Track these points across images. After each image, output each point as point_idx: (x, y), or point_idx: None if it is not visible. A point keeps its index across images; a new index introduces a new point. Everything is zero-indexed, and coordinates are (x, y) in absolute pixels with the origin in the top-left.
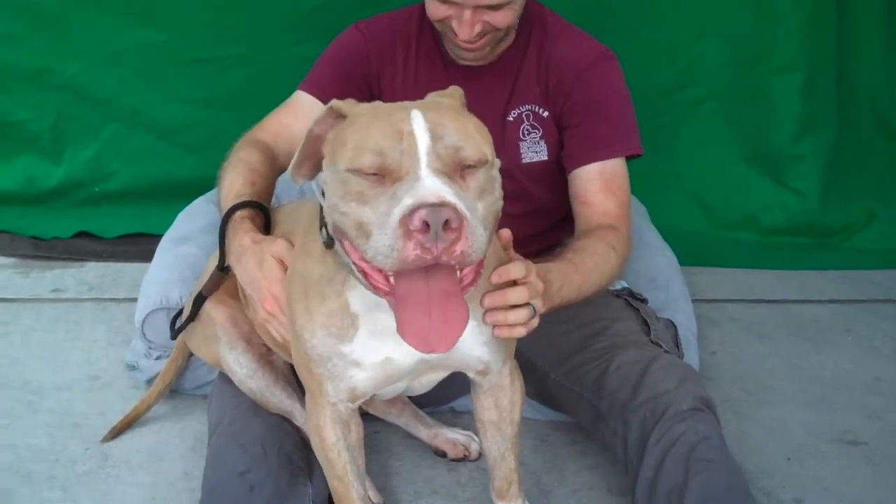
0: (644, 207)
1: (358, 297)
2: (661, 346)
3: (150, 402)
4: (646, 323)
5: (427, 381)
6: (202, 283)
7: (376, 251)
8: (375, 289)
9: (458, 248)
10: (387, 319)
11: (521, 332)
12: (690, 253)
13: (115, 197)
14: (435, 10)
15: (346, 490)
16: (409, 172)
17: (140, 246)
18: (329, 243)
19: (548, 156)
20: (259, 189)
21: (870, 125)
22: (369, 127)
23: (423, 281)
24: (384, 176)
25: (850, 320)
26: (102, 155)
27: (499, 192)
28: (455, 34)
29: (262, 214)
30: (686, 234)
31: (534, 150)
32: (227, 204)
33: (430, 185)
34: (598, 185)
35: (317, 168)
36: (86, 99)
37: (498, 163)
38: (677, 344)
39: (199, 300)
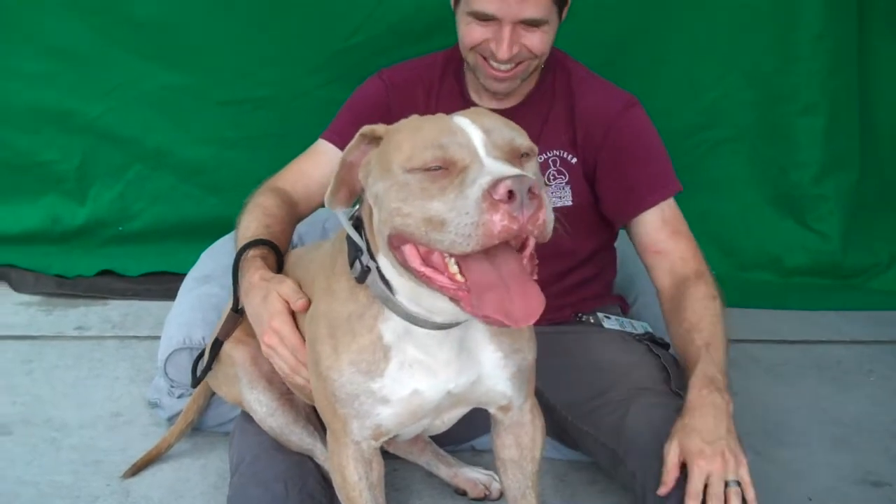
0: None
1: (391, 328)
2: (679, 394)
3: (172, 441)
4: (665, 370)
5: (448, 419)
6: (219, 328)
7: (456, 235)
8: (442, 288)
9: (541, 216)
10: (416, 351)
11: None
12: None
13: (138, 236)
14: (471, 34)
15: None
16: (473, 161)
17: (163, 284)
18: (361, 278)
19: (572, 201)
20: (274, 232)
21: (892, 166)
22: (421, 129)
23: (492, 265)
24: (447, 168)
25: (872, 361)
26: (126, 195)
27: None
28: (490, 60)
29: (275, 255)
30: None
31: (558, 196)
32: (241, 244)
33: (499, 166)
34: (665, 232)
35: (353, 195)
36: (111, 140)
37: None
38: None
39: (216, 345)
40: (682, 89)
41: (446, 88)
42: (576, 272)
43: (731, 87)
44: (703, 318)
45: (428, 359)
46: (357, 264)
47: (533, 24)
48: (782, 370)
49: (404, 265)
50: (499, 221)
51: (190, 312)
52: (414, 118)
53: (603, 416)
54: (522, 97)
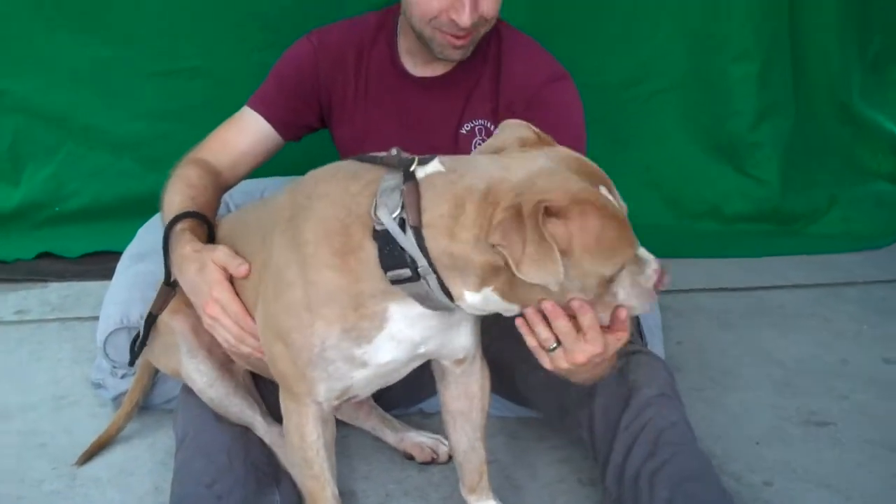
0: None
1: (401, 311)
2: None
3: (120, 424)
4: None
5: (404, 371)
6: (152, 301)
7: (637, 303)
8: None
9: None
10: (406, 326)
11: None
12: (654, 244)
13: (76, 216)
14: (429, 4)
15: (322, 489)
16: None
17: (103, 264)
18: (407, 279)
19: None
20: (200, 203)
21: (827, 110)
22: (607, 217)
23: None
24: None
25: (814, 304)
26: (61, 174)
27: None
28: (449, 29)
29: (205, 226)
30: (650, 226)
31: None
32: (168, 219)
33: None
34: None
35: None
36: (42, 118)
37: None
38: (641, 335)
39: (150, 319)
40: (617, 43)
41: (377, 54)
42: None
43: (664, 39)
44: None
45: (413, 333)
46: (406, 271)
47: None
48: (726, 318)
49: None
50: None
51: (127, 291)
52: (600, 200)
53: None
54: (452, 65)
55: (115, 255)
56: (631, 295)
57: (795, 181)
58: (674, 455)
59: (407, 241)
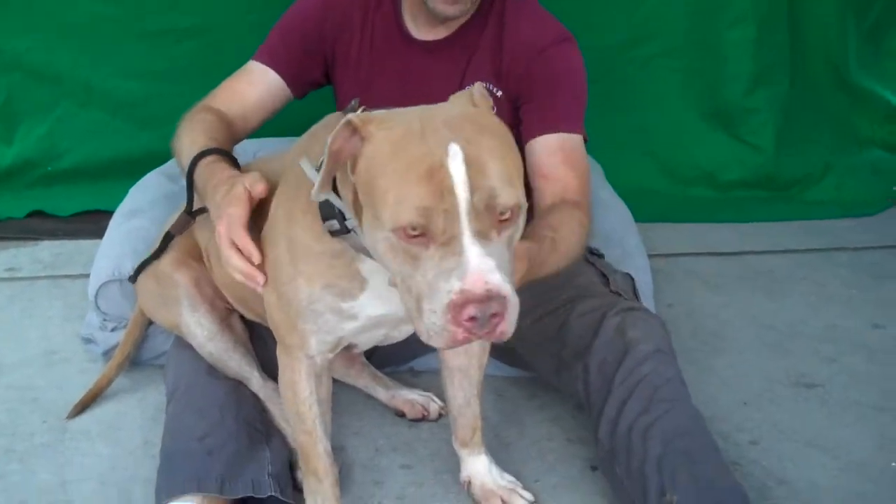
0: (599, 165)
1: (368, 268)
2: (620, 294)
3: (111, 376)
4: (604, 276)
5: (405, 329)
6: (170, 224)
7: (426, 328)
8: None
9: (499, 329)
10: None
11: None
12: (648, 209)
13: (68, 175)
14: None
15: (314, 444)
16: (452, 238)
17: (95, 223)
18: (338, 233)
19: None
20: (221, 143)
21: (823, 77)
22: (405, 177)
23: None
24: (426, 236)
25: (805, 269)
26: (55, 133)
27: (522, 223)
28: None
29: (232, 162)
30: (643, 191)
31: None
32: (193, 153)
33: (474, 264)
34: (559, 157)
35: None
36: (36, 77)
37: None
38: (636, 294)
39: (167, 238)
40: (614, 5)
41: (382, 16)
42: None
43: (661, 2)
44: (563, 224)
45: None
46: (334, 223)
47: None
48: (718, 281)
49: None
50: (462, 335)
51: (119, 246)
52: (400, 142)
53: (546, 323)
54: (455, 27)
55: (107, 215)
56: (428, 295)
57: (790, 148)
58: (668, 411)
59: (332, 196)
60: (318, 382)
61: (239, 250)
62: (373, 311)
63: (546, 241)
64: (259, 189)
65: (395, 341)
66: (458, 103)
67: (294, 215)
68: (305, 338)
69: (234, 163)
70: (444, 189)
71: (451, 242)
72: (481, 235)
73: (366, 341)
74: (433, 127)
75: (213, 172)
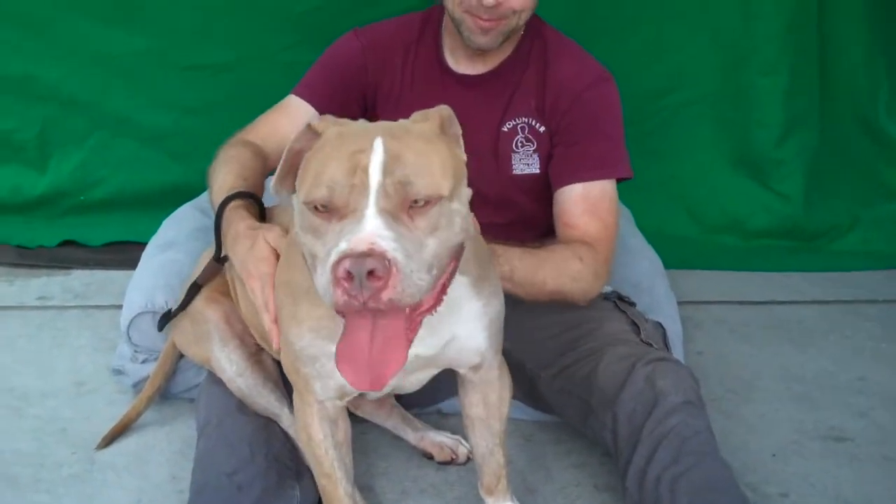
0: (629, 211)
1: None
2: (650, 344)
3: (141, 408)
4: (634, 324)
5: (417, 380)
6: (196, 275)
7: (319, 286)
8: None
9: (385, 295)
10: None
11: None
12: (676, 256)
13: (100, 205)
14: None
15: (335, 488)
16: (355, 211)
17: (126, 254)
18: None
19: (539, 169)
20: (251, 185)
21: (852, 127)
22: (329, 158)
23: (368, 319)
24: (332, 211)
25: (833, 321)
26: (88, 163)
27: (460, 226)
28: (476, 11)
29: (257, 207)
30: (672, 238)
31: (525, 163)
32: (221, 197)
33: (368, 229)
34: (582, 207)
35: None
36: (71, 107)
37: (467, 193)
38: (666, 344)
39: (194, 288)
40: (649, 52)
41: (423, 52)
42: (544, 239)
43: (696, 50)
44: (559, 250)
45: None
46: None
47: None
48: (746, 331)
49: None
50: (340, 296)
51: (152, 278)
52: (345, 132)
53: (575, 370)
54: (497, 63)
55: (138, 245)
56: (323, 259)
57: (818, 198)
58: (697, 463)
59: None
60: (334, 426)
61: None
62: None
63: (520, 246)
64: (281, 245)
65: (405, 392)
66: (416, 118)
67: (292, 257)
68: (308, 382)
69: (260, 207)
70: (357, 168)
71: (354, 215)
72: (388, 214)
73: (374, 392)
74: (375, 128)
75: (232, 221)
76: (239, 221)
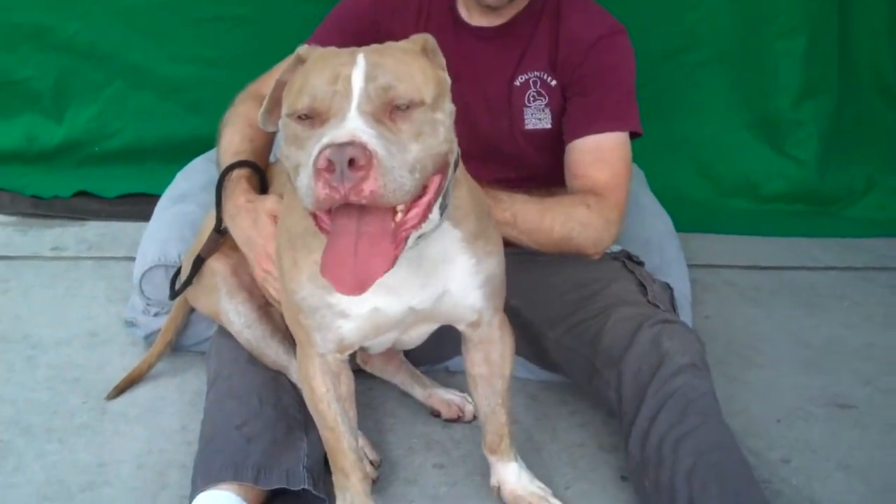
0: (642, 172)
1: None
2: (658, 306)
3: (152, 361)
4: (642, 284)
5: (417, 335)
6: (200, 245)
7: (300, 191)
8: (321, 230)
9: (366, 187)
10: None
11: None
12: (688, 218)
13: (115, 156)
14: None
15: (338, 441)
16: (337, 114)
17: (140, 206)
18: None
19: (551, 124)
20: (258, 146)
21: (871, 92)
22: (312, 71)
23: (354, 221)
24: (314, 118)
25: (844, 287)
26: (104, 114)
27: (444, 136)
28: None
29: (259, 175)
30: (684, 200)
31: (537, 117)
32: (226, 161)
33: (349, 126)
34: (592, 158)
35: None
36: (88, 58)
37: (450, 108)
38: (673, 305)
39: (198, 262)
40: (664, 10)
41: (436, 5)
42: (554, 194)
43: (711, 9)
44: (565, 199)
45: (386, 277)
46: None
47: None
48: (756, 295)
49: None
50: (321, 189)
51: (166, 230)
52: (329, 51)
53: (582, 329)
54: (510, 16)
55: (152, 198)
56: (305, 162)
57: (834, 163)
58: (700, 425)
59: None
60: (336, 380)
61: None
62: (361, 307)
63: (524, 194)
64: (280, 208)
65: (407, 347)
66: (395, 43)
67: (290, 205)
68: (310, 334)
69: (261, 174)
70: (339, 77)
71: (336, 118)
72: (370, 116)
73: (376, 346)
74: (354, 49)
75: (232, 192)
76: (239, 194)
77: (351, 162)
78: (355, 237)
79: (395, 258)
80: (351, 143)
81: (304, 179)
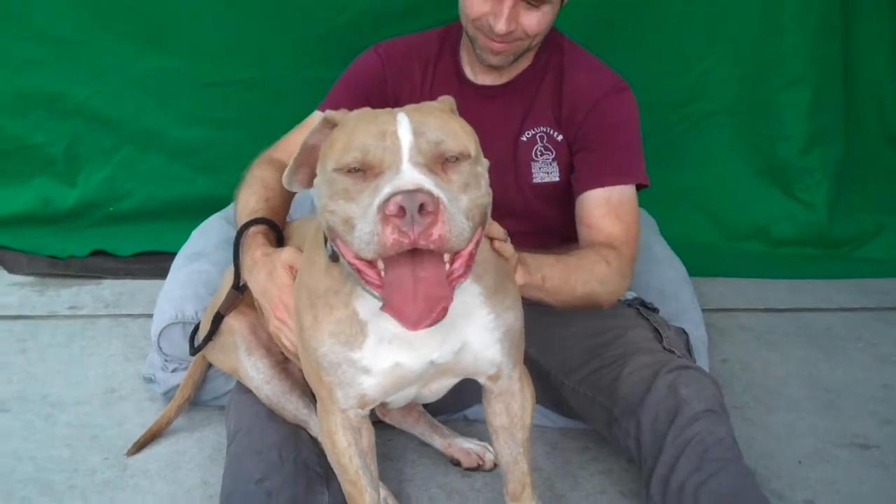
0: (653, 220)
1: (365, 305)
2: (674, 352)
3: (171, 416)
4: (657, 331)
5: (437, 389)
6: (219, 301)
7: (360, 240)
8: (368, 283)
9: (436, 231)
10: (395, 326)
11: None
12: (701, 264)
13: (129, 216)
14: (473, 6)
15: (360, 495)
16: (391, 167)
17: (155, 263)
18: (334, 256)
19: (559, 177)
20: (274, 205)
21: (877, 136)
22: (356, 128)
23: (410, 268)
24: (367, 171)
25: (860, 328)
26: (117, 176)
27: (485, 188)
28: (488, 33)
29: (275, 231)
30: (696, 246)
31: (545, 171)
32: (242, 220)
33: (411, 175)
34: (604, 210)
35: (312, 176)
36: (100, 122)
37: (486, 162)
38: (689, 350)
39: (218, 319)
40: (670, 63)
41: (442, 65)
42: (564, 247)
43: (717, 61)
44: (584, 256)
45: (406, 333)
46: (329, 244)
47: (534, 3)
48: (771, 338)
49: (342, 256)
50: (390, 235)
51: (181, 288)
52: (366, 111)
53: (599, 377)
54: (515, 74)
55: (167, 255)
56: (361, 215)
57: (843, 206)
58: (719, 470)
59: None
60: (358, 435)
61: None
62: (383, 363)
63: (548, 253)
64: (297, 261)
65: (427, 401)
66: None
67: (310, 262)
68: (332, 390)
69: (278, 231)
70: (387, 133)
71: (390, 171)
72: (424, 167)
73: (396, 400)
74: (390, 109)
75: (249, 247)
76: (255, 248)
77: (420, 208)
78: (413, 282)
79: (450, 302)
80: (420, 190)
81: (366, 227)
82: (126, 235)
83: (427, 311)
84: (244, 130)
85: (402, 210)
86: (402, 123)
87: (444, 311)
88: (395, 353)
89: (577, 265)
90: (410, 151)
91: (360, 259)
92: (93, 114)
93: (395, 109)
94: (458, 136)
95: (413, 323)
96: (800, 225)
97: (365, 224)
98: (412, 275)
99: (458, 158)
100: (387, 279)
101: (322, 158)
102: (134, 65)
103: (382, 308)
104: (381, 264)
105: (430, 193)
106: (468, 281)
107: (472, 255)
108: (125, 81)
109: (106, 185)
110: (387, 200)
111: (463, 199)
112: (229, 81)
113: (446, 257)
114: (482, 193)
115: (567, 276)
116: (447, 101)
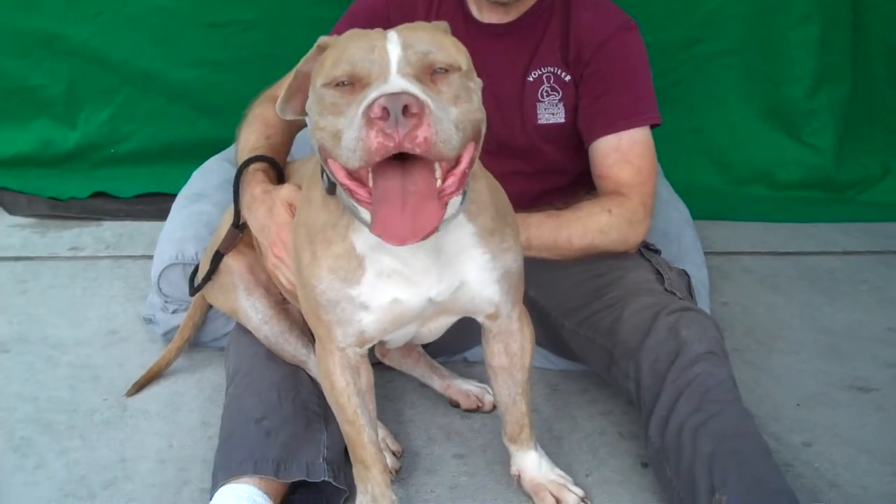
0: (657, 163)
1: (362, 238)
2: (675, 293)
3: (171, 358)
4: (659, 273)
5: (436, 328)
6: (218, 241)
7: (346, 149)
8: (359, 202)
9: (420, 133)
10: (391, 260)
11: None
12: (704, 207)
13: (130, 158)
14: None
15: (358, 434)
16: (379, 77)
17: (155, 205)
18: (331, 189)
19: (565, 118)
20: (274, 143)
21: (885, 79)
22: (346, 45)
23: (399, 181)
24: (355, 84)
25: (864, 271)
26: (117, 118)
27: (478, 104)
28: None
29: (276, 169)
30: (700, 189)
31: (550, 112)
32: (243, 157)
33: (397, 81)
34: (614, 158)
35: (306, 103)
36: (99, 63)
37: (479, 82)
38: (690, 292)
39: (217, 258)
40: (676, 1)
41: (447, 3)
42: (569, 188)
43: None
44: (584, 207)
45: (404, 268)
46: (325, 176)
47: None
48: (775, 281)
49: (334, 177)
50: (374, 138)
51: (182, 229)
52: (356, 31)
53: (599, 318)
54: (521, 13)
55: (167, 197)
56: (347, 124)
57: (849, 149)
58: (719, 412)
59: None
60: (356, 374)
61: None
62: (381, 298)
63: (548, 215)
64: (297, 197)
65: (426, 340)
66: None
67: (308, 198)
68: (330, 329)
69: (278, 169)
70: (376, 47)
71: (374, 82)
72: (412, 77)
73: (395, 339)
74: (381, 29)
75: (249, 184)
76: (255, 185)
77: (404, 110)
78: (402, 195)
79: (441, 218)
80: (404, 93)
81: (352, 134)
82: (127, 177)
83: (414, 225)
84: (245, 71)
85: (385, 112)
86: (392, 38)
87: (434, 226)
88: (393, 289)
89: (573, 218)
90: (399, 63)
91: (352, 179)
92: (92, 55)
93: (387, 30)
94: (448, 49)
95: (400, 238)
96: (805, 168)
97: (350, 131)
98: (401, 188)
99: (447, 70)
100: (375, 194)
101: (313, 79)
102: (133, 5)
103: (371, 229)
104: (371, 182)
105: (414, 96)
106: (463, 219)
107: (464, 174)
108: (125, 22)
109: (106, 127)
110: (371, 104)
111: (453, 111)
112: (230, 22)
113: (438, 173)
114: (474, 108)
115: (557, 232)
116: (441, 23)
